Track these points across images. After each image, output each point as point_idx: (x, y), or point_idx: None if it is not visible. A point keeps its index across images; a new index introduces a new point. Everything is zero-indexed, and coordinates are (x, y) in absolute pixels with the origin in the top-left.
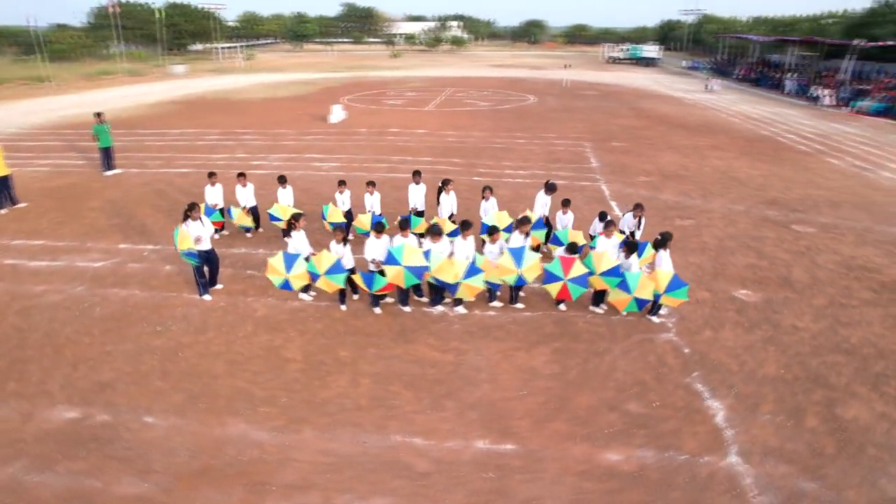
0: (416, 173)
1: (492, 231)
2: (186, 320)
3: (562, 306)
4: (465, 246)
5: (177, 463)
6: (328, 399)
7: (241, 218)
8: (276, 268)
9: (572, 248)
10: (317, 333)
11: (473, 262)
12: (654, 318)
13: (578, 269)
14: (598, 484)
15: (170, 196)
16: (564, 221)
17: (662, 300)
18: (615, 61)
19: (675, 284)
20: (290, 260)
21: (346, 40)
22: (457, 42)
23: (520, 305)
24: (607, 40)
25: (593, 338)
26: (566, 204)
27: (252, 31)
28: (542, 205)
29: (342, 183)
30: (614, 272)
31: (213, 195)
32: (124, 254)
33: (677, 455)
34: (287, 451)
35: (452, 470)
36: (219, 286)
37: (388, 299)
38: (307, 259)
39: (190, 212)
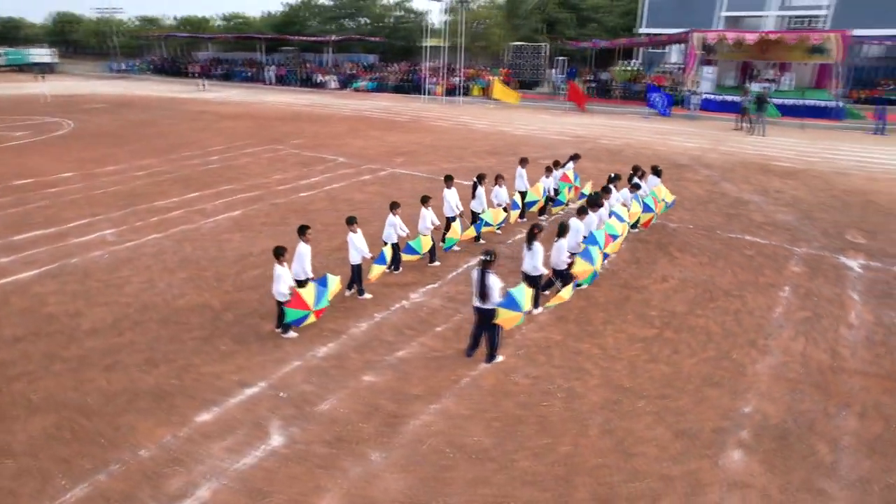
0: (449, 178)
1: (593, 202)
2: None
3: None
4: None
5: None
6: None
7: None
8: (563, 296)
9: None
10: (613, 329)
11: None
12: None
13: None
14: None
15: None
16: (548, 184)
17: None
18: None
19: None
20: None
21: None
22: None
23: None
24: None
25: (683, 245)
26: (549, 170)
27: None
28: (524, 178)
29: (427, 199)
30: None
31: (288, 275)
32: (232, 422)
33: (836, 260)
34: None
35: None
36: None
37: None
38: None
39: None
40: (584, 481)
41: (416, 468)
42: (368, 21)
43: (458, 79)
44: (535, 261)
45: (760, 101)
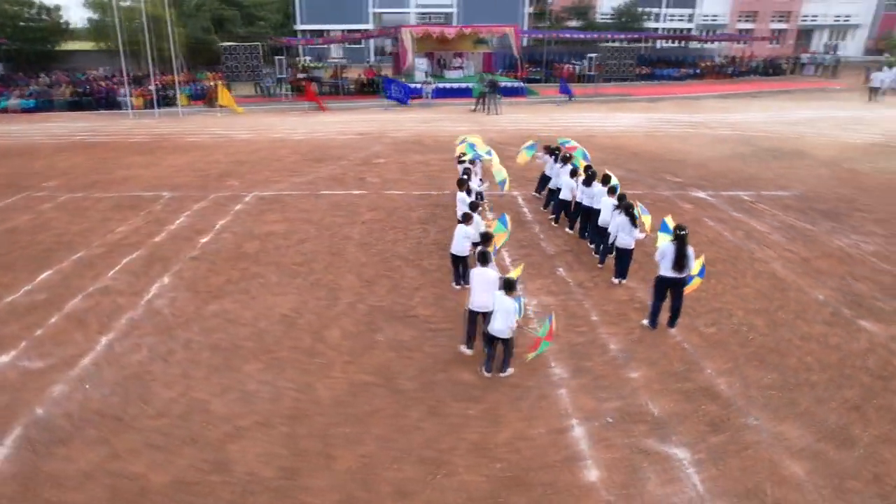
0: (462, 182)
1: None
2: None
3: None
4: None
5: None
6: None
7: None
8: None
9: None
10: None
11: None
12: None
13: None
14: None
15: None
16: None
17: None
18: None
19: None
20: None
21: None
22: None
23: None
24: None
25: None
26: (472, 162)
27: None
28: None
29: (477, 206)
30: None
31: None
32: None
33: (692, 195)
34: None
35: None
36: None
37: None
38: None
39: None
40: (866, 381)
41: (810, 418)
42: None
43: (156, 87)
44: (636, 234)
45: (493, 86)
